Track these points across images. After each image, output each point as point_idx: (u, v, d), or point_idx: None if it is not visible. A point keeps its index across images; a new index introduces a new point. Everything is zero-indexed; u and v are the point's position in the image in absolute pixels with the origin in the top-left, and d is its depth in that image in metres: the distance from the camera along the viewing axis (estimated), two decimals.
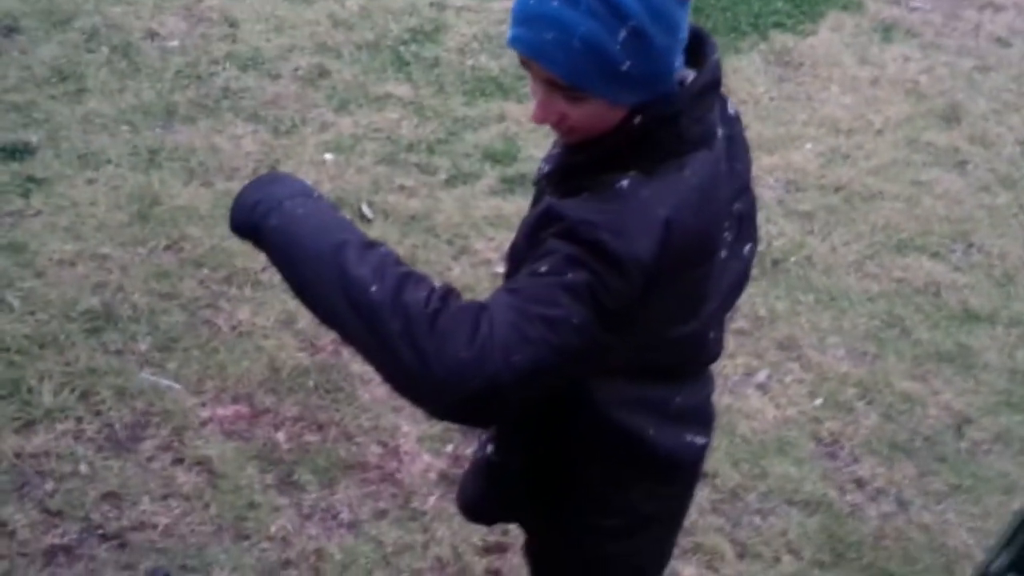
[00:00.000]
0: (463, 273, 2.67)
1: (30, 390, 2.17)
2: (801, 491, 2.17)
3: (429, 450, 2.17)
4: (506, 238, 2.77)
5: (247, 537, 1.95)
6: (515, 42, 0.97)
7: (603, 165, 1.00)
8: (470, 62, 3.68)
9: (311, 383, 2.29)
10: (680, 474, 1.23)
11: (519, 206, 2.91)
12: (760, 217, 1.17)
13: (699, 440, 1.21)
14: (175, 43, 3.57)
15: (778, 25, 4.15)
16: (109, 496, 1.99)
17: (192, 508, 1.98)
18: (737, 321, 2.58)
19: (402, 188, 2.99)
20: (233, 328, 2.42)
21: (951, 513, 2.17)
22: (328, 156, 3.10)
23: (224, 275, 2.58)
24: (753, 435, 2.29)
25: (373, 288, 0.91)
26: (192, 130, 3.14)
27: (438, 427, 2.20)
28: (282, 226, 0.98)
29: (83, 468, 2.03)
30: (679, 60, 1.00)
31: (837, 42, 4.09)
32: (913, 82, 3.87)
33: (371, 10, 3.93)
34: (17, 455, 2.03)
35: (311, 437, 2.18)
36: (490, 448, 1.26)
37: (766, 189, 3.13)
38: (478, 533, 1.97)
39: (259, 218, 1.00)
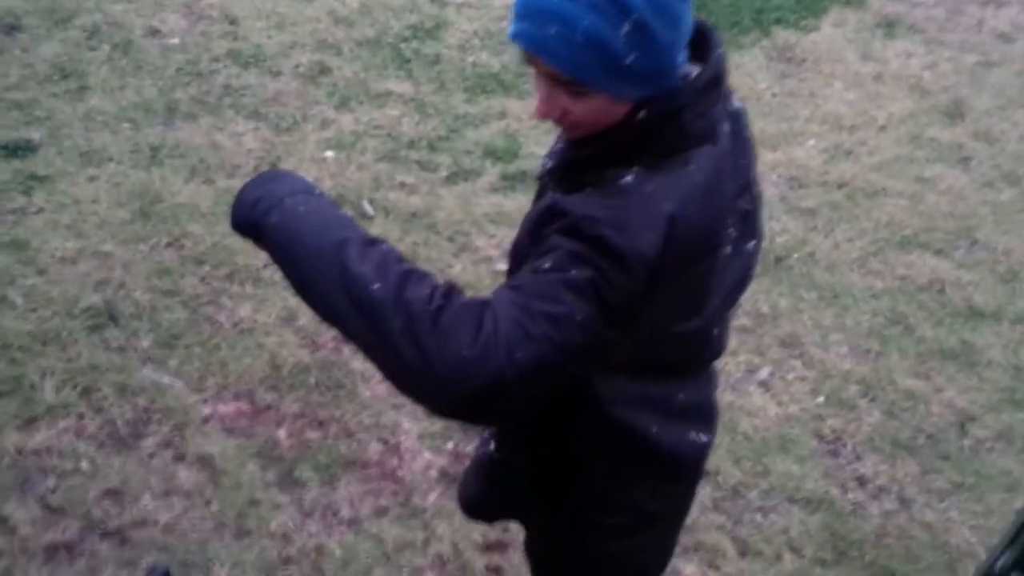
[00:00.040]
0: (464, 270, 2.67)
1: (32, 387, 2.17)
2: (803, 489, 2.16)
3: (430, 447, 2.17)
4: (507, 235, 2.76)
5: (248, 534, 1.95)
6: (517, 37, 0.96)
7: (606, 160, 0.99)
8: (471, 59, 3.68)
9: (312, 380, 2.29)
10: (683, 472, 1.23)
11: (520, 203, 2.91)
12: (763, 214, 1.17)
13: (702, 437, 1.20)
14: (176, 40, 3.57)
15: (780, 21, 4.13)
16: (110, 493, 1.99)
17: (193, 505, 1.98)
18: (739, 318, 2.57)
19: (403, 185, 2.99)
20: (234, 325, 2.42)
21: (954, 511, 2.16)
22: (329, 153, 3.10)
23: (225, 272, 2.58)
24: (755, 432, 2.29)
25: (375, 286, 0.91)
26: (193, 127, 3.14)
27: (439, 424, 2.19)
28: (283, 224, 0.98)
29: (84, 465, 2.04)
30: (683, 55, 0.99)
31: (840, 38, 4.07)
32: (916, 78, 3.85)
33: (371, 7, 3.92)
34: (19, 451, 2.04)
35: (312, 434, 2.17)
36: (492, 445, 1.26)
37: (769, 186, 3.12)
38: (478, 530, 1.97)
39: (260, 215, 1.00)
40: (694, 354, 1.15)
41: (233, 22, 3.72)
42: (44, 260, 2.55)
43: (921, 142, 3.48)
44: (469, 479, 1.37)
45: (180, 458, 2.08)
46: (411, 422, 2.21)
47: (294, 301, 2.42)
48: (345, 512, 2.01)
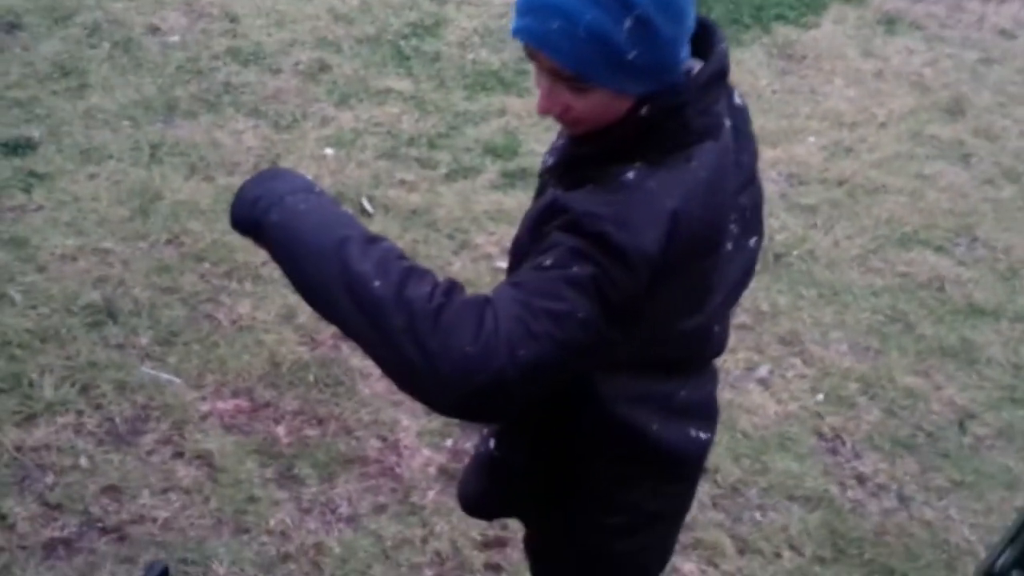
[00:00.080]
0: (464, 268, 2.66)
1: (31, 384, 2.18)
2: (802, 487, 2.16)
3: (429, 444, 2.17)
4: (507, 232, 2.76)
5: (247, 531, 1.95)
6: (519, 32, 0.96)
7: (609, 156, 0.99)
8: (471, 56, 3.67)
9: (311, 377, 2.29)
10: (684, 470, 1.22)
11: (520, 200, 2.91)
12: (764, 210, 1.16)
13: (703, 435, 1.20)
14: (176, 38, 3.57)
15: (780, 17, 4.12)
16: (109, 489, 1.99)
17: (192, 502, 1.99)
18: (739, 316, 2.57)
19: (403, 182, 2.99)
20: (233, 322, 2.43)
21: (953, 509, 2.16)
22: (329, 151, 3.09)
23: (225, 270, 2.58)
24: (754, 430, 2.29)
25: (376, 283, 0.90)
26: (193, 125, 3.14)
27: (438, 422, 2.19)
28: (283, 222, 0.97)
29: (83, 461, 2.04)
30: (685, 50, 0.99)
31: (840, 34, 4.06)
32: (917, 75, 3.85)
33: (371, 4, 3.92)
34: (18, 448, 2.04)
35: (311, 431, 2.17)
36: (492, 443, 1.25)
37: (769, 183, 3.12)
38: (477, 527, 1.97)
39: (260, 214, 0.99)
40: (695, 351, 1.15)
41: (233, 20, 3.71)
42: (44, 257, 2.55)
43: (921, 139, 3.47)
44: (469, 476, 1.36)
45: (179, 455, 2.08)
46: (410, 419, 2.21)
47: (293, 298, 2.42)
48: (344, 509, 2.01)
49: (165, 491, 2.00)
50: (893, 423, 2.36)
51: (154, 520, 1.94)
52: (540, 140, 3.20)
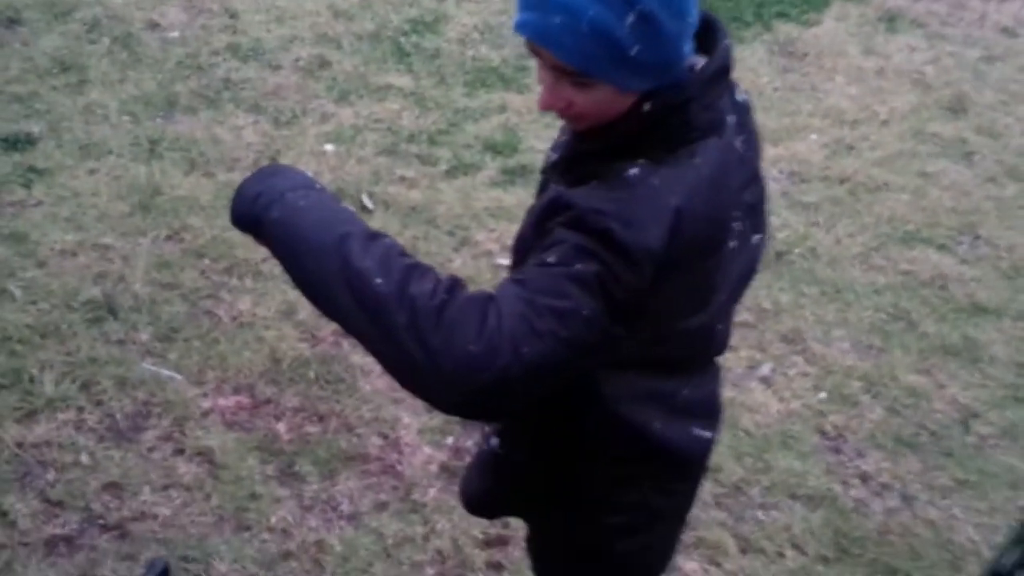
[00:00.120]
0: (464, 264, 2.66)
1: (32, 380, 2.17)
2: (805, 485, 2.16)
3: (430, 442, 2.16)
4: (507, 229, 2.75)
5: (248, 528, 1.94)
6: (522, 27, 0.95)
7: (612, 153, 0.98)
8: (471, 53, 3.66)
9: (312, 374, 2.28)
10: (687, 469, 1.22)
11: (520, 197, 2.90)
12: (768, 207, 1.16)
13: (706, 434, 1.19)
14: (176, 34, 3.56)
15: (782, 15, 4.12)
16: (110, 486, 1.99)
17: (193, 499, 1.98)
18: (741, 314, 2.56)
19: (403, 179, 2.98)
20: (234, 319, 2.42)
21: (957, 508, 2.15)
22: (329, 147, 3.08)
23: (225, 265, 2.57)
24: (756, 429, 2.28)
25: (378, 280, 0.90)
26: (193, 121, 3.13)
27: (439, 419, 2.19)
28: (284, 218, 0.97)
29: (84, 458, 2.03)
30: (689, 46, 0.98)
31: (842, 32, 4.06)
32: (919, 72, 3.84)
33: (371, 1, 3.91)
34: (19, 445, 2.03)
35: (312, 428, 2.17)
36: (495, 441, 1.24)
37: (770, 180, 3.11)
38: (479, 526, 1.97)
39: (261, 210, 0.98)
40: (699, 349, 1.14)
41: (233, 16, 3.70)
42: (44, 253, 2.54)
43: (924, 137, 3.46)
44: (471, 474, 1.36)
45: (180, 452, 2.08)
46: (411, 416, 2.20)
47: (294, 295, 2.41)
48: (345, 507, 2.01)
49: (166, 488, 1.99)
50: (896, 422, 2.36)
51: (155, 517, 1.93)
52: (540, 137, 3.19)
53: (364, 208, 2.83)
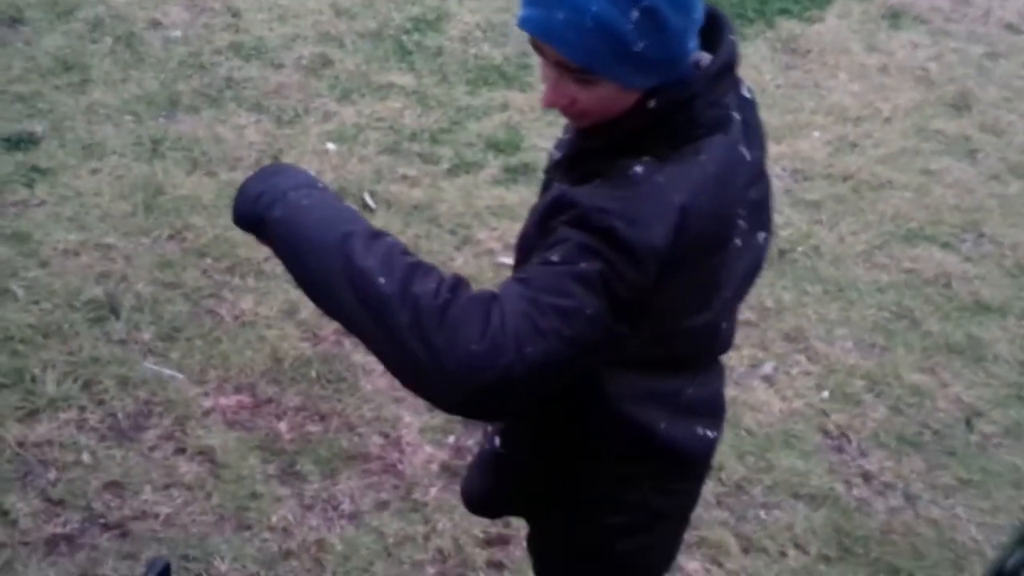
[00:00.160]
0: (466, 263, 2.65)
1: (34, 379, 2.17)
2: (807, 485, 2.15)
3: (431, 441, 2.16)
4: (509, 227, 2.75)
5: (248, 527, 1.94)
6: (525, 23, 0.95)
7: (616, 150, 0.98)
8: (473, 51, 3.66)
9: (313, 373, 2.28)
10: (690, 468, 1.21)
11: (522, 196, 2.90)
12: (773, 204, 1.15)
13: (709, 433, 1.19)
14: (178, 33, 3.56)
15: (784, 12, 4.10)
16: (111, 485, 1.99)
17: (194, 498, 1.98)
18: (743, 312, 2.55)
19: (405, 178, 2.97)
20: (236, 318, 2.42)
21: (960, 508, 2.14)
22: (331, 146, 3.08)
23: (227, 265, 2.57)
24: (759, 428, 2.27)
25: (381, 280, 0.89)
26: (195, 120, 3.13)
27: (440, 418, 2.18)
28: (287, 217, 0.96)
29: (85, 457, 2.03)
30: (694, 42, 0.97)
31: (844, 29, 4.04)
32: (922, 69, 3.82)
33: None
34: (20, 444, 2.03)
35: (313, 427, 2.17)
36: (497, 441, 1.24)
37: (773, 178, 3.06)
38: (480, 525, 1.96)
39: (263, 209, 0.98)
40: (703, 348, 1.14)
41: (235, 14, 3.70)
42: (46, 252, 2.54)
43: (927, 134, 3.45)
44: (473, 474, 1.35)
45: (181, 451, 2.08)
46: (412, 416, 2.20)
47: (296, 294, 2.41)
48: (346, 506, 2.01)
49: (167, 487, 2.00)
50: (899, 421, 2.35)
51: (156, 516, 1.93)
52: (542, 135, 3.19)
53: (366, 207, 2.83)
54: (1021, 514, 2.09)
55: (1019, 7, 4.33)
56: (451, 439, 2.17)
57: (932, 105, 3.61)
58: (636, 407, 1.10)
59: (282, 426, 2.16)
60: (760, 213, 1.11)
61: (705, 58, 1.00)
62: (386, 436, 2.17)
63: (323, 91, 3.34)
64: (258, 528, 1.94)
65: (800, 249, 2.85)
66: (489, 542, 1.96)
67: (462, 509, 1.41)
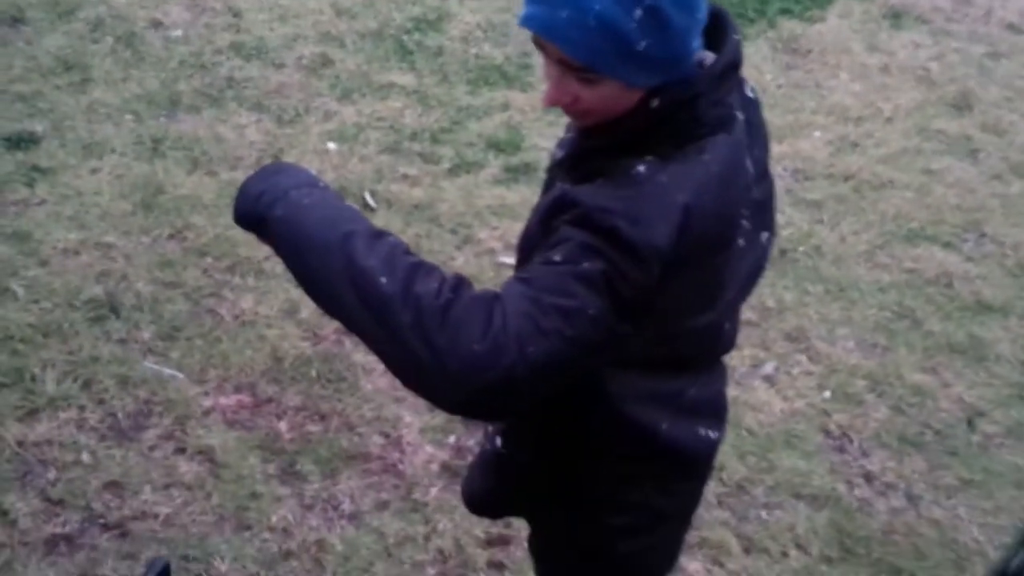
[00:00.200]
0: (467, 263, 2.65)
1: (33, 378, 2.17)
2: (809, 485, 2.14)
3: (431, 441, 2.16)
4: (510, 227, 2.75)
5: (248, 527, 1.94)
6: (528, 21, 0.94)
7: (619, 149, 0.97)
8: (474, 51, 3.65)
9: (313, 373, 2.28)
10: (693, 469, 1.21)
11: (523, 195, 2.89)
12: (776, 204, 1.15)
13: (712, 434, 1.18)
14: (179, 33, 3.56)
15: (785, 12, 4.10)
16: (111, 485, 1.98)
17: (194, 498, 1.98)
18: (744, 312, 2.52)
19: (405, 177, 2.97)
20: (236, 317, 2.41)
21: (962, 508, 2.14)
22: (331, 145, 3.08)
23: (227, 264, 2.57)
24: (760, 428, 2.27)
25: (382, 279, 0.89)
26: (196, 119, 3.13)
27: (440, 418, 2.18)
28: (288, 216, 0.96)
29: (85, 457, 2.03)
30: (697, 41, 0.97)
31: (846, 29, 4.04)
32: (923, 69, 3.82)
33: None
34: (20, 443, 2.03)
35: (313, 427, 2.16)
36: (498, 441, 1.24)
37: (774, 178, 3.10)
38: (480, 525, 1.96)
39: (264, 208, 0.98)
40: (706, 348, 1.13)
41: (236, 14, 3.70)
42: (46, 252, 2.54)
43: (928, 134, 3.44)
44: (474, 474, 1.35)
45: (181, 451, 2.07)
46: (412, 415, 2.20)
47: (296, 293, 2.41)
48: (346, 506, 2.00)
49: (167, 487, 1.99)
50: (901, 421, 2.34)
51: (156, 516, 1.93)
52: (543, 135, 3.18)
53: (367, 206, 2.83)
54: (1023, 514, 2.09)
55: (1020, 7, 4.32)
56: (452, 439, 2.17)
57: (933, 105, 3.60)
58: (638, 407, 1.09)
59: (282, 426, 2.16)
60: (763, 213, 1.11)
61: (709, 57, 1.00)
62: (387, 436, 2.16)
63: (324, 91, 3.34)
64: (258, 528, 1.93)
65: (801, 249, 2.85)
66: (490, 542, 1.95)
67: (463, 509, 1.40)
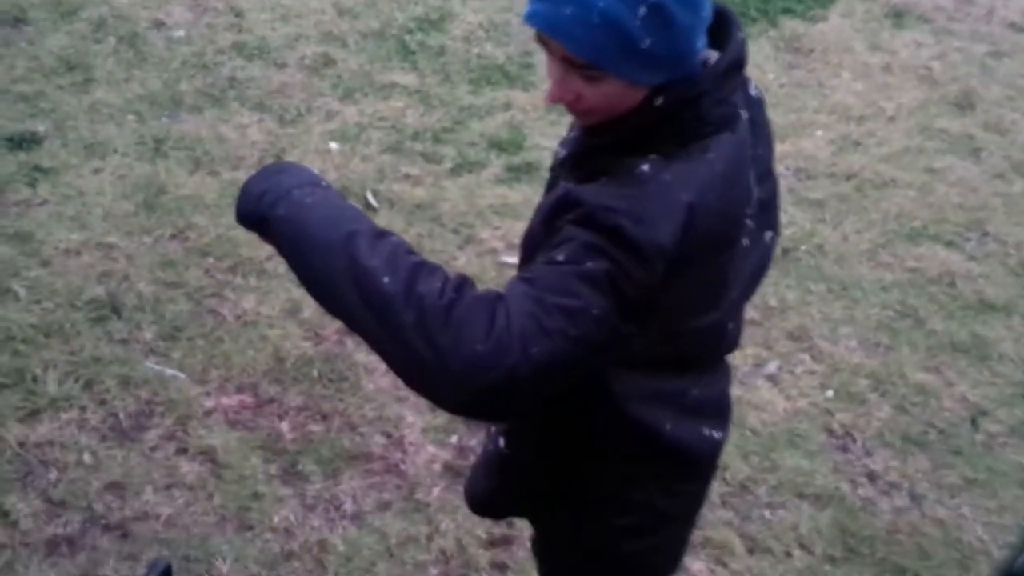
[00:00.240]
0: (468, 262, 2.65)
1: (35, 379, 2.17)
2: (812, 484, 2.14)
3: (433, 441, 2.15)
4: (512, 227, 2.74)
5: (250, 528, 1.93)
6: (532, 18, 0.94)
7: (623, 148, 0.97)
8: (475, 50, 3.65)
9: (315, 373, 2.28)
10: (697, 469, 1.21)
11: (525, 195, 2.89)
12: (780, 203, 1.14)
13: (716, 434, 1.18)
14: (181, 33, 3.56)
15: (787, 11, 4.09)
16: (112, 486, 1.98)
17: (195, 498, 1.97)
18: (747, 311, 2.54)
19: (407, 177, 2.97)
20: (238, 317, 2.41)
21: (966, 507, 2.13)
22: (333, 145, 3.08)
23: (229, 264, 2.57)
24: (763, 427, 2.26)
25: (385, 279, 0.89)
26: (198, 119, 3.13)
27: (442, 417, 2.18)
28: (290, 215, 0.96)
29: (87, 458, 2.03)
30: (702, 40, 0.97)
31: (848, 28, 4.03)
32: (926, 68, 3.81)
33: None
34: (21, 444, 2.03)
35: (315, 427, 2.16)
36: (501, 441, 1.23)
37: (778, 177, 3.09)
38: (483, 525, 1.95)
39: (267, 208, 0.98)
40: (710, 348, 1.13)
41: (238, 14, 3.70)
42: (48, 252, 2.54)
43: (930, 133, 3.44)
44: (476, 474, 1.35)
45: (182, 451, 2.07)
46: (414, 415, 2.19)
47: (298, 293, 2.41)
48: (348, 506, 2.00)
49: (168, 488, 1.99)
50: (904, 420, 2.34)
51: (157, 517, 1.93)
52: (545, 134, 3.18)
53: (369, 206, 2.82)
54: None
55: (1022, 6, 4.31)
56: (454, 439, 2.16)
57: (935, 104, 3.60)
58: (642, 407, 1.09)
59: (284, 426, 2.15)
60: (767, 212, 1.10)
61: (713, 56, 0.99)
62: (388, 436, 2.16)
63: (326, 90, 3.34)
64: (260, 529, 1.93)
65: (804, 248, 2.84)
66: (493, 543, 1.95)
67: (465, 509, 1.40)
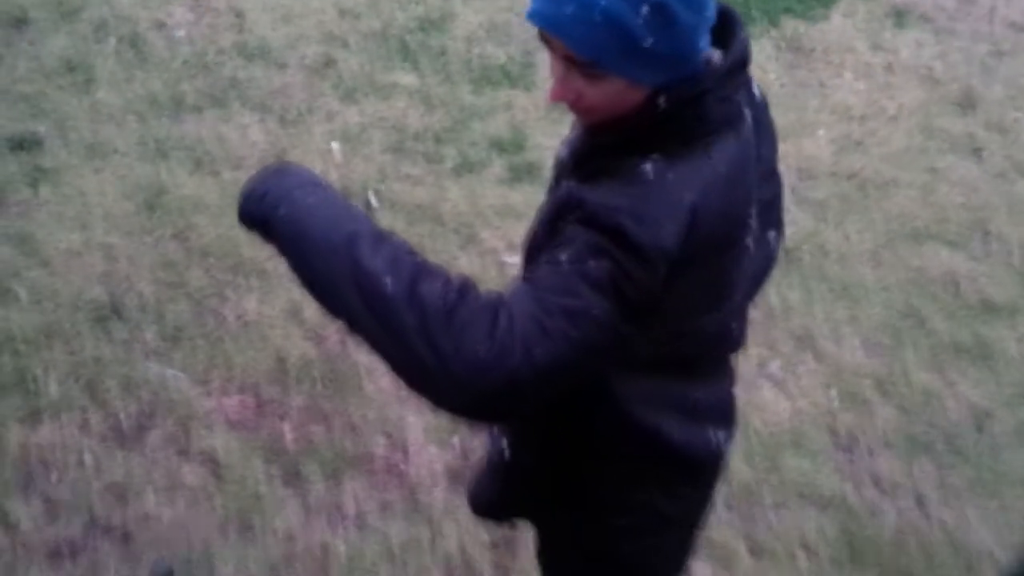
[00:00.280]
0: (470, 263, 2.64)
1: (36, 381, 2.16)
2: (816, 487, 2.13)
3: (435, 442, 2.15)
4: (513, 227, 2.74)
5: (252, 531, 1.93)
6: (534, 16, 0.94)
7: (625, 148, 0.97)
8: (477, 51, 3.64)
9: (317, 374, 2.27)
10: (698, 473, 1.20)
11: (526, 195, 2.88)
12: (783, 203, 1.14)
13: (720, 436, 1.18)
14: (182, 33, 3.55)
15: (789, 11, 4.08)
16: (113, 489, 1.98)
17: (197, 501, 1.97)
18: (749, 312, 2.54)
19: (409, 177, 2.96)
20: (239, 319, 2.41)
21: (971, 510, 2.12)
22: (335, 145, 3.07)
23: (230, 265, 2.56)
24: (766, 429, 2.26)
25: (387, 281, 0.89)
26: (199, 120, 3.12)
27: (444, 419, 2.17)
28: (292, 216, 0.96)
29: (88, 460, 2.02)
30: (705, 40, 0.96)
31: (849, 28, 4.02)
32: (927, 68, 3.80)
33: None
34: (22, 447, 2.03)
35: (317, 429, 2.15)
36: (504, 444, 1.23)
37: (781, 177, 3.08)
38: (485, 528, 1.95)
39: (268, 208, 0.97)
40: (713, 349, 1.13)
41: (239, 15, 3.69)
42: (49, 253, 2.54)
43: (932, 133, 3.43)
44: (479, 477, 1.34)
45: (184, 454, 2.06)
46: (416, 417, 2.19)
47: (299, 294, 2.40)
48: (350, 509, 1.99)
49: (170, 490, 1.99)
50: (908, 422, 2.33)
51: (159, 520, 1.92)
52: (547, 134, 3.17)
53: (370, 206, 2.82)
54: None
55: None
56: (455, 440, 2.16)
57: (937, 104, 3.59)
58: (645, 409, 1.09)
59: (285, 427, 2.15)
60: (770, 212, 1.10)
61: (716, 56, 0.99)
62: (390, 437, 2.15)
63: (327, 91, 3.33)
64: (261, 532, 1.93)
65: (806, 248, 2.84)
66: (495, 545, 1.95)
67: (467, 511, 1.40)
